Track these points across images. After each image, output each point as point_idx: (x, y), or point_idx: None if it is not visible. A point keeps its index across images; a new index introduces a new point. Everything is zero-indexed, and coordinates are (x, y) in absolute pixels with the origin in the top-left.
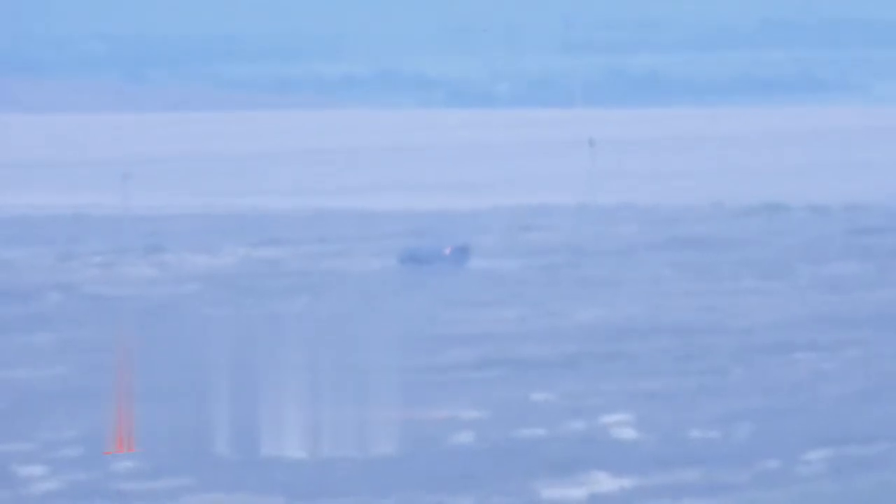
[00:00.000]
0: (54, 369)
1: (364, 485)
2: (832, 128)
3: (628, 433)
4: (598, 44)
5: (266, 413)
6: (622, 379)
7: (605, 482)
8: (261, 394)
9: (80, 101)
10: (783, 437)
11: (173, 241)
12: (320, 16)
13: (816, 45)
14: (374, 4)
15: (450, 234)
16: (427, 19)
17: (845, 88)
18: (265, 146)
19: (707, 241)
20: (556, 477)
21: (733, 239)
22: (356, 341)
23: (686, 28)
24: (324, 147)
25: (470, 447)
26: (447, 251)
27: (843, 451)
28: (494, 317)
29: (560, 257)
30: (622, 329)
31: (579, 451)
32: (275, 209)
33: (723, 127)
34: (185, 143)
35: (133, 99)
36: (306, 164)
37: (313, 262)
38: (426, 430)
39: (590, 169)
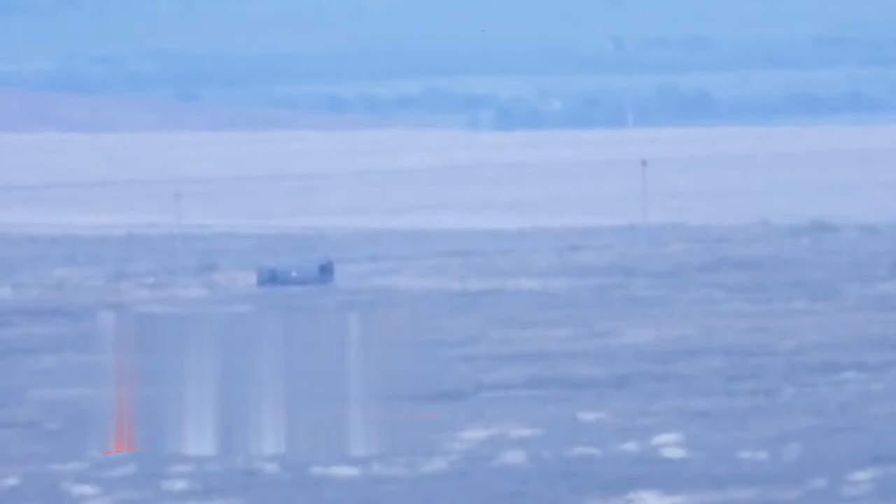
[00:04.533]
0: (105, 389)
1: (415, 503)
2: (882, 147)
3: (678, 453)
4: (649, 63)
5: (316, 432)
6: (672, 399)
7: (655, 502)
8: (310, 414)
9: (131, 119)
10: (832, 457)
11: (225, 260)
12: (372, 35)
13: (868, 64)
14: (425, 24)
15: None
16: (477, 38)
17: None
18: (316, 166)
19: (756, 261)
20: (606, 496)
21: (782, 259)
22: (406, 360)
23: (737, 47)
24: (374, 167)
25: (521, 466)
26: (293, 273)
27: (892, 471)
28: (545, 336)
29: (610, 277)
30: (672, 349)
31: (629, 470)
32: (326, 228)
33: (772, 146)
34: (237, 163)
35: (184, 118)
36: (357, 184)
37: (364, 282)
38: (477, 448)
39: (641, 189)
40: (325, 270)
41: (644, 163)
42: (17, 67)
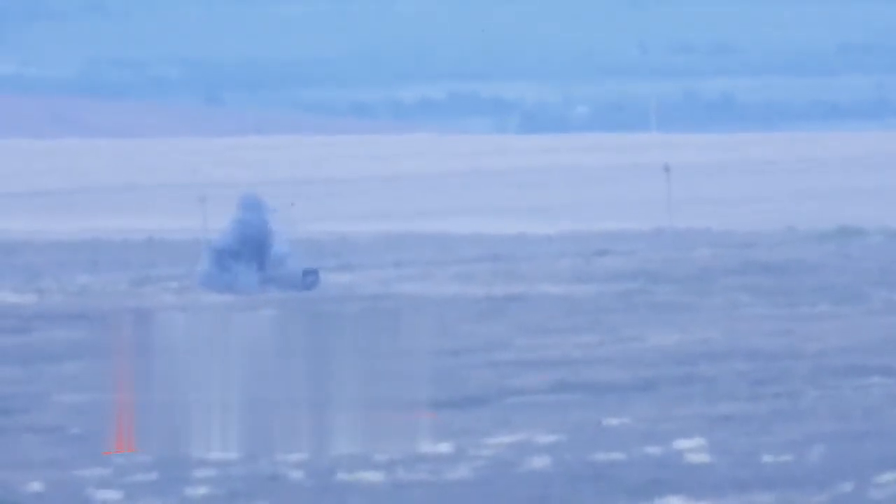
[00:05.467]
0: (128, 394)
1: None
2: None
3: (702, 457)
4: (673, 68)
5: (340, 437)
6: (697, 403)
7: None
8: (334, 419)
9: (156, 124)
10: (857, 461)
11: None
12: (398, 40)
13: (893, 70)
14: (451, 28)
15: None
16: (502, 43)
17: None
18: (341, 171)
19: (781, 265)
20: (631, 501)
21: (807, 263)
22: (428, 366)
23: (762, 52)
24: (400, 171)
25: (545, 471)
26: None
27: None
28: (570, 341)
29: (635, 282)
30: (697, 353)
31: (654, 475)
32: (350, 234)
33: (797, 151)
34: (262, 167)
35: (209, 122)
36: (382, 189)
37: (389, 287)
38: (502, 453)
39: (665, 194)
40: (309, 276)
41: (667, 168)
42: (42, 72)
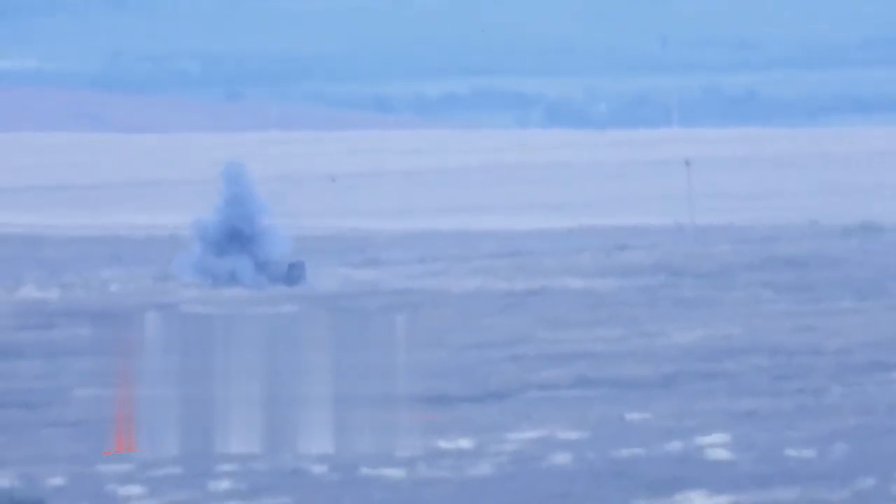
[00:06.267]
0: (152, 390)
1: None
2: None
3: (724, 453)
4: (695, 62)
5: (362, 433)
6: (719, 399)
7: (702, 502)
8: (357, 414)
9: (177, 119)
10: (880, 456)
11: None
12: (420, 35)
13: None
14: (473, 23)
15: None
16: (525, 38)
17: None
18: (364, 166)
19: (804, 260)
20: (653, 497)
21: (830, 258)
22: (451, 362)
23: (784, 46)
24: (422, 166)
25: (567, 467)
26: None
27: None
28: (591, 336)
29: (657, 277)
30: (719, 349)
31: (676, 471)
32: (374, 229)
33: (820, 146)
34: (283, 163)
35: (230, 117)
36: (405, 184)
37: (412, 283)
38: (524, 448)
39: (687, 189)
40: (295, 270)
41: (688, 162)
42: (64, 67)
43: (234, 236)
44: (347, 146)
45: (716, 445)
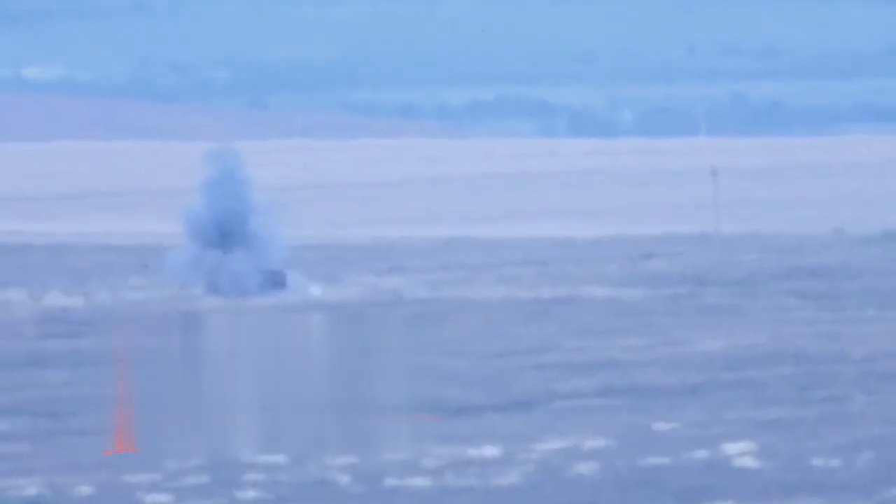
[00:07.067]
0: (179, 399)
1: None
2: None
3: (751, 461)
4: (721, 71)
5: (389, 443)
6: (745, 407)
7: None
8: (382, 424)
9: (202, 127)
10: None
11: (297, 270)
12: (446, 43)
13: None
14: (498, 32)
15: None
16: (550, 46)
17: None
18: (389, 174)
19: (828, 269)
20: None
21: (854, 267)
22: (476, 371)
23: (809, 56)
24: (447, 175)
25: (593, 477)
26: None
27: None
28: (617, 345)
29: (682, 286)
30: (745, 358)
31: (702, 479)
32: (398, 238)
33: (845, 155)
34: (308, 171)
35: (256, 125)
36: (430, 193)
37: (436, 291)
38: (550, 458)
39: (713, 198)
40: (275, 278)
41: (714, 172)
42: (92, 75)
43: (225, 232)
44: (372, 154)
45: (742, 454)
